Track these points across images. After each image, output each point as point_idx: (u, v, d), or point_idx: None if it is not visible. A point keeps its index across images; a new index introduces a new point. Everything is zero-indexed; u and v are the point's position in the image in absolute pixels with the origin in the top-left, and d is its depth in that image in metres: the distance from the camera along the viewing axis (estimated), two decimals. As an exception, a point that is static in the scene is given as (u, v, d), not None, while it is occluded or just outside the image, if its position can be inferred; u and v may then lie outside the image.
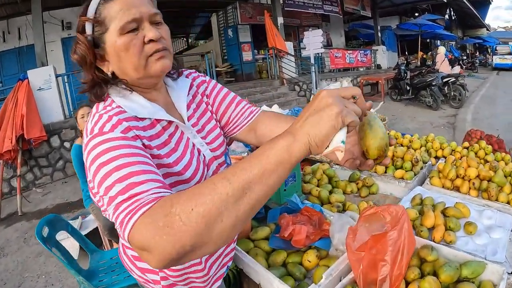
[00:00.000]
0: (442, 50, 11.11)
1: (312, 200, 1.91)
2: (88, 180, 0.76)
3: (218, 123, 1.10)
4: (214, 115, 1.10)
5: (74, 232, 2.36)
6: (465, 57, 21.15)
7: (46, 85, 6.72)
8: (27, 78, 6.35)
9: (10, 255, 4.05)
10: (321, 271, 1.30)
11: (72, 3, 10.15)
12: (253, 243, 1.58)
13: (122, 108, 0.83)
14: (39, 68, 6.82)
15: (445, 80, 8.87)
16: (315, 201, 1.90)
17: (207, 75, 6.67)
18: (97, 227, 3.28)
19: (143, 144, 0.80)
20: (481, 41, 26.82)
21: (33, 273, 3.58)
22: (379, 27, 16.06)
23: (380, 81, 11.09)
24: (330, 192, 1.99)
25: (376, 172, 2.15)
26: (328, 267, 1.31)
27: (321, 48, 10.01)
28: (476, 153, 2.32)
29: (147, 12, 0.82)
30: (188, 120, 0.99)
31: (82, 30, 0.83)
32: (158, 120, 0.90)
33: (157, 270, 0.98)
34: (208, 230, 0.55)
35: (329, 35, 16.57)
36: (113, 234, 2.79)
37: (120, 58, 0.82)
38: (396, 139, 2.69)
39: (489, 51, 24.48)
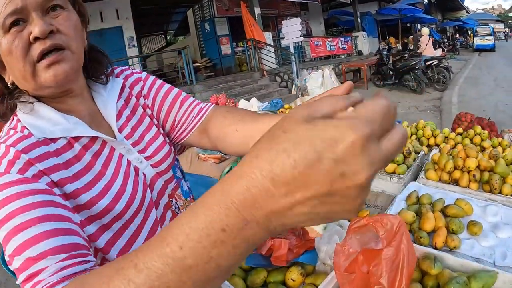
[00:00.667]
0: (425, 31, 10.84)
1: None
2: None
3: (161, 129, 0.89)
4: (155, 120, 0.89)
5: None
6: (446, 40, 21.33)
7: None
8: None
9: None
10: (307, 292, 1.10)
11: None
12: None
13: (27, 129, 0.66)
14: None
15: (428, 63, 8.83)
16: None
17: (184, 71, 6.46)
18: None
19: (52, 182, 0.61)
20: (461, 23, 27.22)
21: None
22: (358, 13, 16.00)
23: (362, 67, 11.03)
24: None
25: (364, 168, 1.95)
26: (316, 286, 1.13)
27: (301, 36, 9.83)
28: (471, 140, 2.15)
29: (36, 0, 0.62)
30: (120, 131, 0.79)
31: None
32: (76, 138, 0.71)
33: None
34: None
35: (308, 24, 16.50)
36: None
37: (8, 64, 0.65)
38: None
39: (469, 33, 24.76)
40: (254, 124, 0.77)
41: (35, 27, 0.61)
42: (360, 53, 15.45)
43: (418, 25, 21.77)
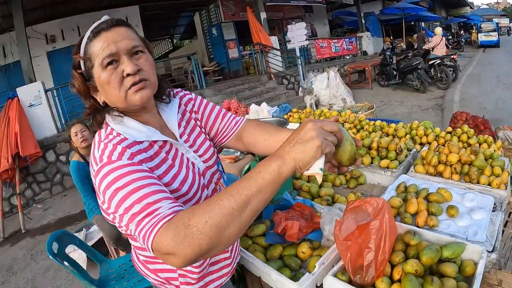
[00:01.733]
0: (438, 31, 10.59)
1: (303, 195, 2.02)
2: (100, 201, 0.87)
3: (207, 136, 1.21)
4: (203, 129, 1.21)
5: (82, 245, 2.46)
6: (450, 37, 21.21)
7: (36, 101, 6.79)
8: (17, 95, 6.40)
9: (19, 273, 4.13)
10: (314, 260, 1.40)
11: (53, 16, 10.16)
12: (251, 240, 1.68)
13: (122, 135, 0.93)
14: (27, 84, 6.87)
15: (431, 62, 8.98)
16: (306, 196, 2.00)
17: (194, 75, 6.79)
18: (102, 239, 3.37)
19: (148, 167, 0.90)
20: (465, 19, 26.83)
21: None
22: (362, 14, 16.11)
23: (366, 68, 11.19)
24: (320, 186, 2.10)
25: (363, 164, 2.25)
26: (321, 256, 1.41)
27: (305, 40, 10.08)
28: (459, 137, 2.42)
29: (125, 46, 0.91)
30: (180, 137, 1.08)
31: (77, 66, 0.93)
32: (155, 141, 1.00)
33: (174, 268, 1.07)
34: (219, 237, 0.70)
35: (313, 26, 16.62)
36: (119, 243, 2.88)
37: (105, 90, 0.93)
38: (382, 128, 2.80)
39: (474, 29, 24.54)
40: (276, 136, 1.12)
41: (127, 67, 0.89)
42: (365, 53, 15.57)
43: (422, 23, 21.76)
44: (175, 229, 0.70)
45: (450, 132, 2.53)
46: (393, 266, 1.27)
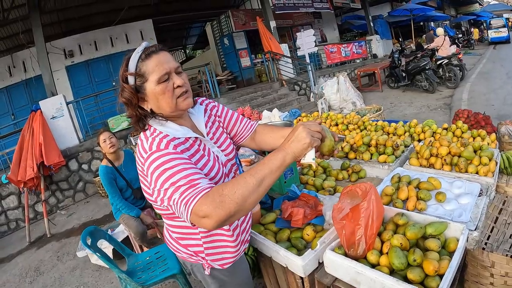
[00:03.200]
0: (440, 31, 10.76)
1: (309, 188, 2.25)
2: (148, 182, 1.13)
3: (228, 135, 1.49)
4: (224, 129, 1.49)
5: (111, 240, 2.73)
6: (460, 35, 20.95)
7: (58, 113, 7.14)
8: (40, 108, 6.77)
9: (46, 273, 4.34)
10: (317, 240, 1.63)
11: (70, 31, 10.64)
12: (263, 226, 1.93)
13: (164, 133, 1.17)
14: (49, 98, 7.23)
15: (439, 62, 9.04)
16: (311, 189, 2.24)
17: (209, 84, 7.10)
18: (125, 239, 3.64)
19: (187, 156, 1.17)
20: (475, 17, 26.34)
21: (71, 285, 3.84)
22: (370, 17, 16.15)
23: (376, 71, 11.25)
24: (324, 180, 2.33)
25: (363, 159, 2.48)
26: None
27: (315, 47, 10.25)
28: (454, 132, 2.62)
29: (174, 66, 1.18)
30: (207, 135, 1.36)
31: (125, 80, 1.17)
32: (188, 138, 1.26)
33: (201, 243, 1.34)
34: (244, 203, 0.97)
35: (322, 31, 16.82)
36: (144, 240, 3.15)
37: (158, 100, 1.18)
38: (383, 128, 3.01)
39: (484, 26, 24.22)
40: (279, 133, 1.46)
41: (177, 81, 1.17)
42: (374, 56, 15.57)
43: (432, 23, 21.65)
44: (213, 197, 0.96)
45: (446, 128, 2.72)
46: (383, 242, 1.49)
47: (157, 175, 1.06)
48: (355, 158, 2.59)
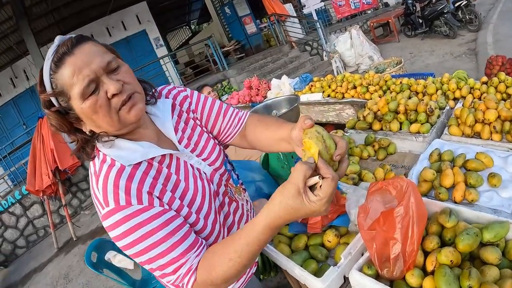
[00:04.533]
0: None
1: (327, 175, 1.88)
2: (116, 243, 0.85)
3: (210, 134, 1.12)
4: (204, 128, 1.11)
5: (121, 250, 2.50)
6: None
7: (66, 116, 7.03)
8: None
9: (75, 279, 4.41)
10: (341, 249, 1.29)
11: (66, 30, 10.44)
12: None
13: (116, 160, 0.85)
14: (54, 100, 7.15)
15: (457, 4, 8.25)
16: (330, 175, 1.86)
17: (215, 58, 6.73)
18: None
19: (158, 198, 0.84)
20: None
21: None
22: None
23: (390, 20, 10.47)
24: (345, 163, 1.95)
25: (390, 130, 2.06)
26: (348, 245, 1.30)
27: (320, 2, 9.66)
28: (496, 88, 2.13)
29: (101, 65, 0.80)
30: (180, 143, 1.00)
31: (48, 105, 0.82)
32: (152, 158, 0.91)
33: None
34: (228, 282, 0.85)
35: (329, -15, 15.83)
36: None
37: (93, 120, 0.83)
38: (410, 87, 2.56)
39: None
40: (276, 133, 1.04)
41: (111, 87, 0.79)
42: (386, 4, 14.57)
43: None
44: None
45: (485, 83, 2.24)
46: (426, 254, 1.13)
47: (125, 245, 0.80)
48: (381, 129, 2.15)
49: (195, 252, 0.85)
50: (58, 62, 0.78)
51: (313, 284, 1.19)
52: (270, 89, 4.94)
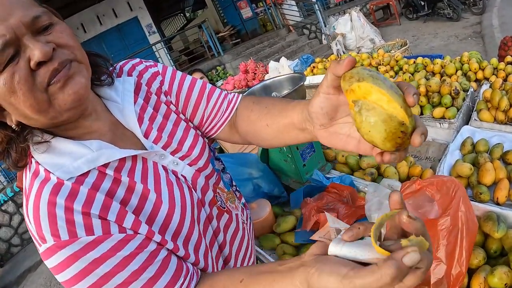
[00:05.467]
0: None
1: (339, 168, 1.62)
2: None
3: (190, 123, 0.82)
4: (181, 115, 0.81)
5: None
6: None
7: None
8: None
9: None
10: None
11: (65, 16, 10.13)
12: (279, 237, 1.35)
13: (51, 172, 0.59)
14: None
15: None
16: (343, 169, 1.60)
17: (209, 43, 6.40)
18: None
19: (117, 223, 0.59)
20: None
21: None
22: None
23: (390, 2, 10.17)
24: (360, 155, 1.69)
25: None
26: (371, 258, 1.05)
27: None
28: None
29: (22, 22, 0.53)
30: (146, 137, 0.71)
31: None
32: (105, 165, 0.63)
33: None
34: None
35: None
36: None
37: (13, 105, 0.55)
38: (426, 66, 2.29)
39: None
40: (282, 118, 0.70)
41: (35, 52, 0.52)
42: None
43: None
44: None
45: (510, 63, 1.98)
46: (470, 272, 0.88)
47: None
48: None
49: (181, 285, 0.61)
50: None
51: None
52: (267, 73, 4.68)
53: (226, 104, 0.84)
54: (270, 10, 10.91)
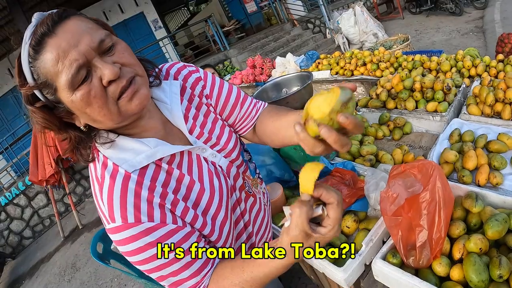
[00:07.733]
0: None
1: (342, 156, 1.81)
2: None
3: (225, 122, 1.00)
4: (218, 115, 0.98)
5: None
6: None
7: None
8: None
9: (82, 268, 4.43)
10: (361, 236, 1.25)
11: None
12: (290, 217, 1.54)
13: (119, 165, 0.73)
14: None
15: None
16: (346, 156, 1.80)
17: (215, 38, 6.46)
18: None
19: (170, 211, 0.75)
20: None
21: (106, 279, 3.91)
22: None
23: (394, -4, 10.22)
24: (361, 143, 1.89)
25: (406, 109, 1.98)
26: (368, 230, 1.25)
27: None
28: (512, 65, 2.03)
29: (90, 47, 0.65)
30: (191, 133, 0.87)
31: (32, 100, 0.68)
32: (161, 159, 0.79)
33: None
34: None
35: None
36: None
37: (87, 113, 0.68)
38: (423, 63, 2.47)
39: None
40: (287, 118, 0.90)
41: (105, 72, 0.64)
42: (390, -21, 14.20)
43: None
44: None
45: (502, 61, 2.15)
46: (452, 240, 1.07)
47: (135, 262, 0.73)
48: (396, 107, 2.06)
49: (207, 271, 0.79)
50: (37, 46, 0.62)
51: (334, 273, 1.14)
52: (274, 68, 4.82)
53: (254, 111, 1.03)
54: (274, 4, 10.93)
